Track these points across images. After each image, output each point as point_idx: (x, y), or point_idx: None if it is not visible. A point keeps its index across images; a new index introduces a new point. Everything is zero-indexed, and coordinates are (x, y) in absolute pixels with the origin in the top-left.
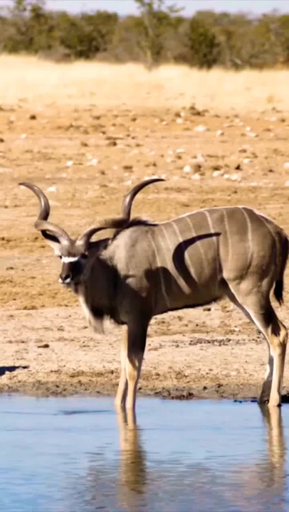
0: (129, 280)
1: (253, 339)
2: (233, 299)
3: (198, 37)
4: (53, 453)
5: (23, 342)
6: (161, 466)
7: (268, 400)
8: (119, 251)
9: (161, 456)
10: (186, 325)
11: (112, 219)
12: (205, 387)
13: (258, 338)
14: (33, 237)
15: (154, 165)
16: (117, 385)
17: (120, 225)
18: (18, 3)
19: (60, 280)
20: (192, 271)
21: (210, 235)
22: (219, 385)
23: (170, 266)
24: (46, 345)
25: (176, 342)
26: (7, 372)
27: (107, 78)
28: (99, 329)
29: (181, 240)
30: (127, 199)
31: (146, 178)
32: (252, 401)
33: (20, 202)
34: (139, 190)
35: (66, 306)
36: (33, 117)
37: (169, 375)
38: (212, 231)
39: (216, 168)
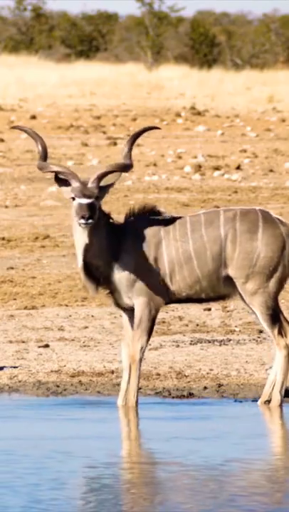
0: (128, 261)
1: (254, 339)
2: (242, 299)
3: (199, 37)
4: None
5: (23, 342)
6: None
7: (269, 401)
8: (127, 230)
9: None
10: (187, 325)
11: (119, 163)
12: (205, 387)
13: (259, 338)
14: (33, 237)
15: (155, 165)
16: (118, 384)
17: (126, 169)
18: (19, 3)
19: (82, 221)
20: (195, 263)
21: (218, 231)
22: (220, 385)
23: (175, 256)
24: (47, 345)
25: (177, 342)
26: (7, 372)
27: (108, 78)
28: (87, 287)
29: (189, 232)
30: (127, 146)
31: (147, 178)
32: (252, 401)
33: (21, 202)
34: (138, 137)
35: (66, 306)
36: (33, 117)
37: (169, 375)
38: (222, 228)
39: (217, 168)
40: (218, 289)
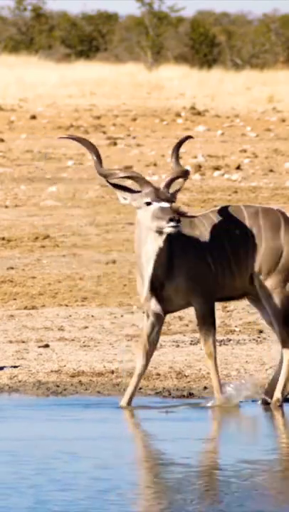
0: (180, 266)
1: (254, 339)
2: (253, 300)
3: (199, 37)
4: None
5: (23, 342)
6: None
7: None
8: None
9: None
10: (187, 325)
11: (181, 169)
12: (205, 387)
13: (259, 338)
14: (33, 237)
15: (155, 165)
16: (118, 384)
17: (187, 175)
18: (19, 3)
19: (172, 224)
20: (232, 260)
21: (245, 227)
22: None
23: (216, 254)
24: (46, 345)
25: (177, 342)
26: (7, 372)
27: (108, 78)
28: (147, 296)
29: (220, 229)
30: (174, 156)
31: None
32: (252, 401)
33: (21, 202)
34: (181, 146)
35: (66, 306)
36: (33, 117)
37: (169, 375)
38: (247, 224)
39: (217, 168)
40: (246, 284)
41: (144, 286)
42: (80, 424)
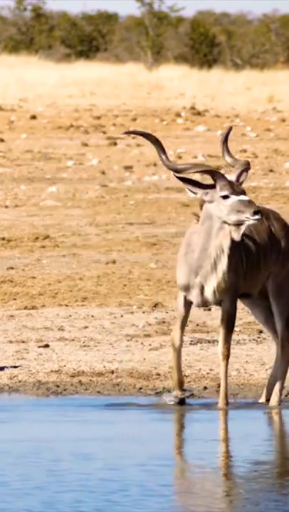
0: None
1: (254, 339)
2: (248, 301)
3: (199, 37)
4: None
5: (23, 342)
6: None
7: (268, 401)
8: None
9: None
10: (187, 325)
11: (244, 161)
12: (205, 387)
13: (259, 338)
14: (33, 237)
15: (155, 165)
16: (118, 384)
17: (249, 166)
18: (19, 3)
19: (257, 217)
20: (261, 257)
21: (267, 226)
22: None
23: (249, 252)
24: (46, 345)
25: None
26: (7, 372)
27: (108, 78)
28: (214, 290)
29: (252, 228)
30: (226, 149)
31: (147, 178)
32: (252, 401)
33: (21, 202)
34: (227, 141)
35: (66, 306)
36: (33, 117)
37: (169, 375)
38: (265, 223)
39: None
40: (262, 284)
41: (197, 276)
42: (80, 424)
